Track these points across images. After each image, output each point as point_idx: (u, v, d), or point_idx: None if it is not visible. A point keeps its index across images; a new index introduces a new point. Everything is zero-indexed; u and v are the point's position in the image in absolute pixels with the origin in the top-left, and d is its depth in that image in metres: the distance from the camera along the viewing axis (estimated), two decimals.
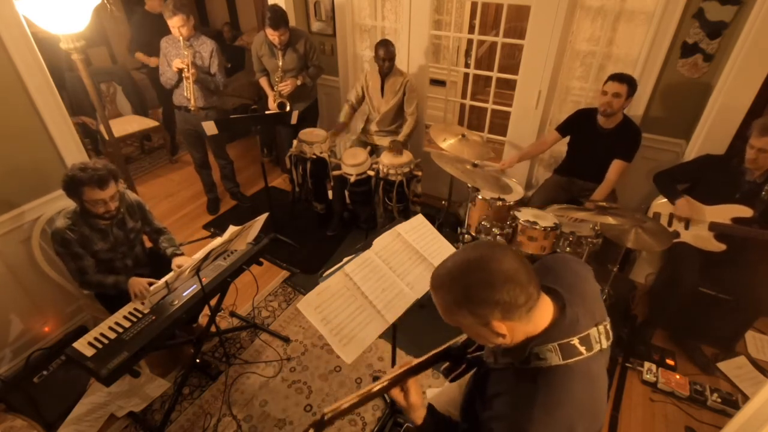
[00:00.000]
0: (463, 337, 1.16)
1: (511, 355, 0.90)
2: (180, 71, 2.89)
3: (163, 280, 1.90)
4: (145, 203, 2.18)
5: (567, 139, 2.74)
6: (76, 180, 1.76)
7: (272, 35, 2.93)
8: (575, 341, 0.85)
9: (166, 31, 2.94)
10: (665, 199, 2.41)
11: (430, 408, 1.08)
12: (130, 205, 2.10)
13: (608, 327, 0.93)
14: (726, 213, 2.20)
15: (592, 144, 2.57)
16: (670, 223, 2.41)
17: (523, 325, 0.86)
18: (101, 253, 1.98)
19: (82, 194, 1.78)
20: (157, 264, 2.16)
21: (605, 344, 0.90)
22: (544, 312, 0.88)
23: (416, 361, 1.09)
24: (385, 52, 2.84)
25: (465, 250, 0.89)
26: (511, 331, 0.85)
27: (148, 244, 2.33)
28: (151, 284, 1.90)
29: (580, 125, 2.63)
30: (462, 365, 1.11)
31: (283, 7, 3.30)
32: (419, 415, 1.07)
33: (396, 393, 1.07)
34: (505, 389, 0.88)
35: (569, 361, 0.84)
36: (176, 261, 2.11)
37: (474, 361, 1.04)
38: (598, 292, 1.00)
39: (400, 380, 1.06)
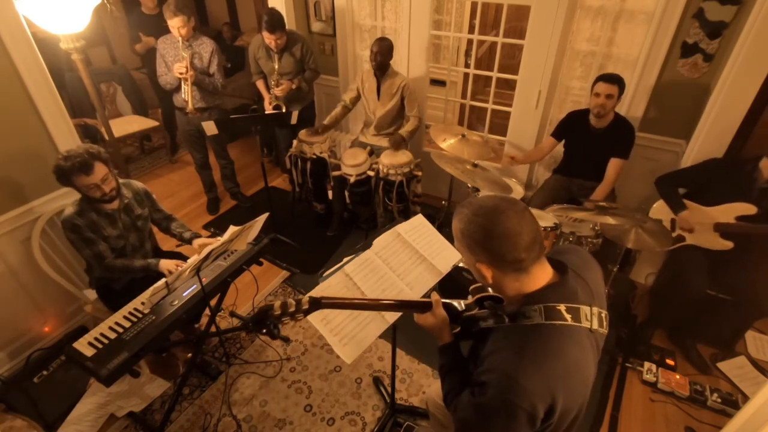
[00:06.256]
0: (468, 301, 1.22)
1: (505, 312, 0.96)
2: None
3: (192, 259, 1.93)
4: (151, 192, 2.21)
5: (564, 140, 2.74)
6: (62, 170, 1.78)
7: (268, 39, 2.93)
8: (561, 307, 0.89)
9: (164, 31, 2.93)
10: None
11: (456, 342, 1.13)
12: (137, 193, 2.12)
13: (603, 316, 0.96)
14: (730, 212, 2.18)
15: (587, 145, 2.58)
16: (673, 228, 2.38)
17: (510, 281, 0.93)
18: (112, 240, 1.99)
19: (73, 182, 1.81)
20: None
21: (595, 325, 0.92)
22: (537, 277, 0.93)
23: (417, 299, 1.20)
24: (378, 47, 2.80)
25: (493, 197, 0.95)
26: (497, 280, 0.93)
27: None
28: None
29: (573, 128, 2.64)
30: (458, 326, 1.15)
31: (284, 8, 3.31)
32: (446, 333, 1.13)
33: (418, 316, 1.17)
34: (497, 347, 0.92)
35: (554, 322, 0.88)
36: (197, 242, 2.17)
37: (468, 321, 1.07)
38: (602, 283, 1.03)
39: (402, 307, 1.21)
